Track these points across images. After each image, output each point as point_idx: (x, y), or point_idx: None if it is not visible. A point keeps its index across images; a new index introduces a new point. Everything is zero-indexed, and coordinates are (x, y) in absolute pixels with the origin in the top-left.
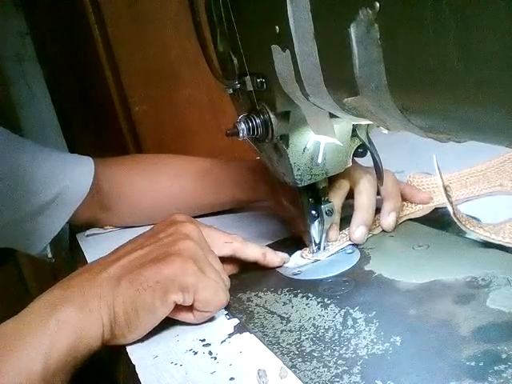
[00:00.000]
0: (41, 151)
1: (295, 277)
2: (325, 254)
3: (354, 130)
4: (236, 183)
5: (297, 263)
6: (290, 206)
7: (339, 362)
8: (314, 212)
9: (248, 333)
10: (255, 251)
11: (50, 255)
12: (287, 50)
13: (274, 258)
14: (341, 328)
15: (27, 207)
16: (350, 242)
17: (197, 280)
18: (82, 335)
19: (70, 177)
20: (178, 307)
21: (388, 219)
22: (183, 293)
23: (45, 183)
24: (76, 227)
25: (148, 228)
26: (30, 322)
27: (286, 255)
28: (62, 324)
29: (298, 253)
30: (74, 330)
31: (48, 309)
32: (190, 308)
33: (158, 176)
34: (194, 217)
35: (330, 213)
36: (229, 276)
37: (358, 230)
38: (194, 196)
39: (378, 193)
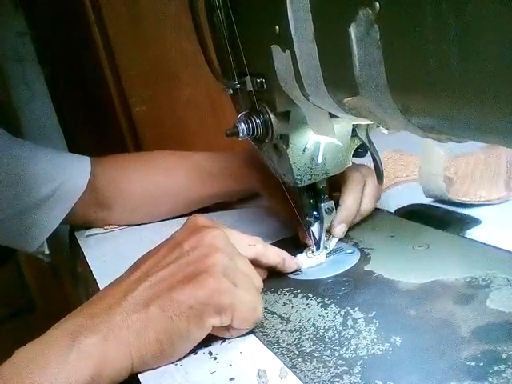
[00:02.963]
0: (38, 149)
1: (295, 277)
2: (325, 252)
3: (353, 130)
4: (229, 174)
5: (308, 265)
6: (282, 194)
7: (339, 362)
8: (315, 213)
9: (248, 333)
10: (276, 256)
11: (46, 251)
12: (287, 50)
13: (291, 263)
14: (341, 328)
15: (24, 203)
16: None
17: (233, 299)
18: (106, 368)
19: (67, 173)
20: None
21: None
22: (220, 315)
23: (42, 180)
24: (76, 227)
25: (147, 225)
26: (48, 351)
27: (300, 261)
28: (84, 355)
29: (302, 254)
30: (97, 362)
31: (69, 338)
32: (227, 326)
33: (152, 173)
34: (192, 212)
35: (330, 211)
36: None
37: (338, 226)
38: (189, 190)
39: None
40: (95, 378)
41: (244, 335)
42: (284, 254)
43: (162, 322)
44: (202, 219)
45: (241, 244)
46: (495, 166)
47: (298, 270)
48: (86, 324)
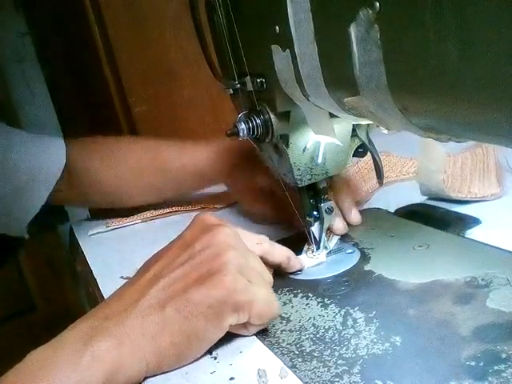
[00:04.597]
0: (14, 134)
1: (295, 277)
2: (325, 252)
3: (354, 130)
4: (197, 172)
5: (309, 264)
6: (247, 189)
7: (339, 361)
8: (315, 213)
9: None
10: (282, 254)
11: (26, 236)
12: (287, 50)
13: (296, 262)
14: (341, 328)
15: (3, 190)
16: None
17: (249, 296)
18: (120, 372)
19: (44, 158)
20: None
21: (351, 217)
22: (238, 313)
23: (19, 166)
24: (75, 225)
25: (147, 224)
26: (60, 354)
27: (303, 262)
28: (97, 359)
29: (302, 255)
30: (111, 366)
31: (82, 341)
32: (244, 323)
33: (123, 169)
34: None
35: (330, 211)
36: None
37: (352, 213)
38: (157, 191)
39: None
40: (108, 383)
41: (244, 335)
42: (289, 252)
43: (179, 323)
44: (209, 218)
45: (248, 242)
46: (484, 163)
47: (300, 270)
48: (99, 327)
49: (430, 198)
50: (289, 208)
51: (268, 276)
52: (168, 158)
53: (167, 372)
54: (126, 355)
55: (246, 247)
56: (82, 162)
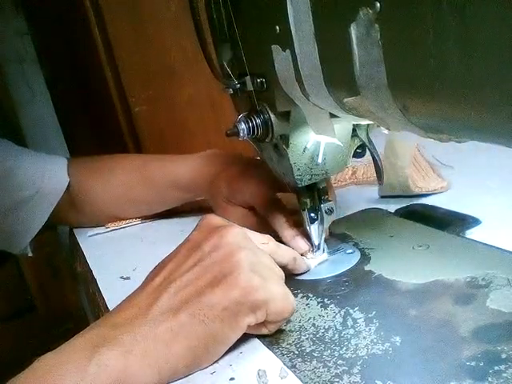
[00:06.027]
0: (20, 150)
1: (295, 277)
2: (324, 252)
3: (354, 130)
4: (178, 186)
5: (313, 264)
6: (226, 204)
7: (339, 362)
8: (313, 214)
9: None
10: (288, 254)
11: (30, 254)
12: (287, 50)
13: (302, 263)
14: (341, 328)
15: (6, 204)
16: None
17: (265, 293)
18: (129, 380)
19: (47, 176)
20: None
21: None
22: (255, 313)
23: (24, 181)
24: (75, 227)
25: (147, 224)
26: (68, 361)
27: (309, 263)
28: (104, 368)
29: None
30: (118, 374)
31: (89, 349)
32: (262, 322)
33: (111, 184)
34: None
35: (330, 212)
36: None
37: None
38: (146, 204)
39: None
40: None
41: (244, 335)
42: (295, 253)
43: (194, 328)
44: (215, 219)
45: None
46: (419, 161)
47: (306, 272)
48: (107, 335)
49: (384, 196)
50: (269, 224)
51: (280, 272)
52: (152, 172)
53: None
54: (135, 363)
55: (255, 245)
56: (82, 180)
